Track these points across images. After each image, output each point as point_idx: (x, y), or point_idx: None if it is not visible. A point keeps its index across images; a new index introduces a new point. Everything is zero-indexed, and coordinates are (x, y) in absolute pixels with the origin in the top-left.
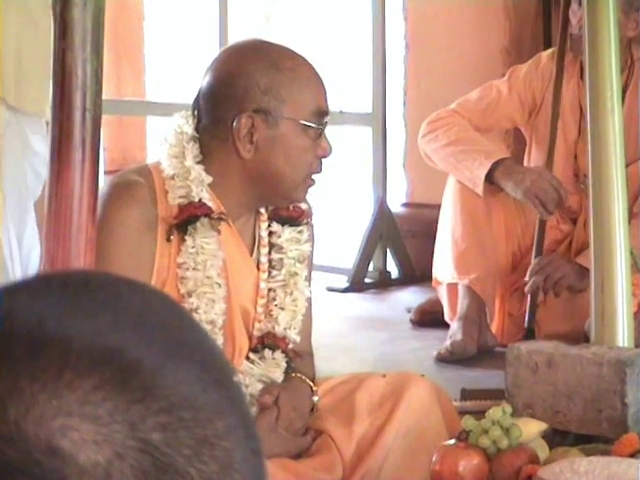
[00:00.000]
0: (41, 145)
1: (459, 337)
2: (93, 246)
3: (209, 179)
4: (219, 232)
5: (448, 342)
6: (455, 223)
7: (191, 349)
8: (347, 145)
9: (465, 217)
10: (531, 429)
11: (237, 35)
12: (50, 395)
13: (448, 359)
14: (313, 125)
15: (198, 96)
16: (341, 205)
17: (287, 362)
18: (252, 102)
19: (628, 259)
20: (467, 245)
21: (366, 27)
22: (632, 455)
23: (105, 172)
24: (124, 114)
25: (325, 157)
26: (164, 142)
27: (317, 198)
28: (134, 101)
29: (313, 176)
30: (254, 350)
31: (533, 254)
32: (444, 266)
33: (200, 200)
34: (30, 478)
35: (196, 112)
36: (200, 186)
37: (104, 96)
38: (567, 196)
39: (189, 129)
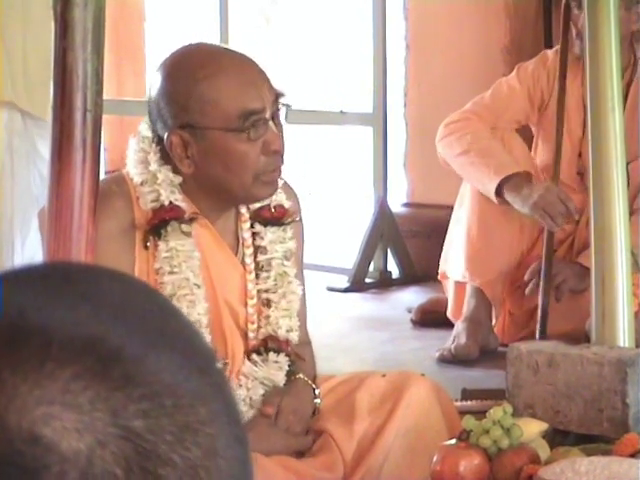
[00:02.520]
0: (47, 149)
1: (463, 340)
2: (93, 246)
3: (178, 179)
4: (190, 235)
5: (452, 344)
6: (471, 222)
7: (173, 337)
8: (348, 145)
9: (482, 217)
10: (532, 429)
11: (237, 36)
12: (32, 385)
13: (450, 361)
14: (241, 129)
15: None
16: (342, 205)
17: (289, 365)
18: (176, 119)
19: (629, 259)
20: (481, 246)
21: (367, 27)
22: (633, 455)
23: (106, 172)
24: (125, 114)
25: (277, 151)
26: (130, 148)
27: (317, 198)
28: (135, 101)
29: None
30: (257, 352)
31: (542, 267)
32: (455, 263)
33: (171, 203)
34: (12, 467)
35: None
36: (170, 188)
37: (105, 96)
38: (575, 208)
39: (150, 133)
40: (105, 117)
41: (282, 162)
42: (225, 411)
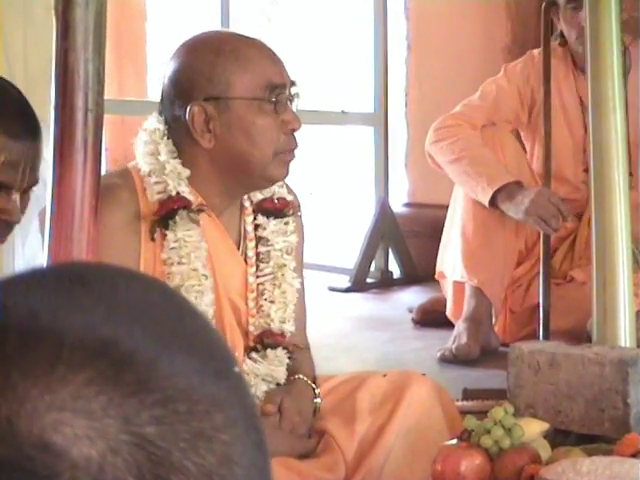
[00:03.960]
0: (46, 150)
1: (464, 340)
2: (95, 246)
3: (187, 172)
4: (198, 224)
5: (453, 345)
6: (466, 222)
7: (190, 340)
8: (349, 145)
9: (476, 216)
10: (533, 429)
11: None
12: (42, 390)
13: (451, 361)
14: (266, 99)
15: (161, 97)
16: (343, 205)
17: (288, 357)
18: (200, 92)
19: (630, 258)
20: (478, 244)
21: (368, 27)
22: (634, 455)
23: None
24: (126, 114)
25: (295, 130)
26: (139, 141)
27: (318, 198)
28: (136, 101)
29: (292, 151)
30: (255, 349)
31: (541, 272)
32: (452, 263)
33: (178, 193)
34: (23, 473)
35: (163, 113)
36: (177, 179)
37: (106, 96)
38: (569, 212)
39: (161, 126)
40: (106, 117)
41: (297, 144)
42: (243, 417)
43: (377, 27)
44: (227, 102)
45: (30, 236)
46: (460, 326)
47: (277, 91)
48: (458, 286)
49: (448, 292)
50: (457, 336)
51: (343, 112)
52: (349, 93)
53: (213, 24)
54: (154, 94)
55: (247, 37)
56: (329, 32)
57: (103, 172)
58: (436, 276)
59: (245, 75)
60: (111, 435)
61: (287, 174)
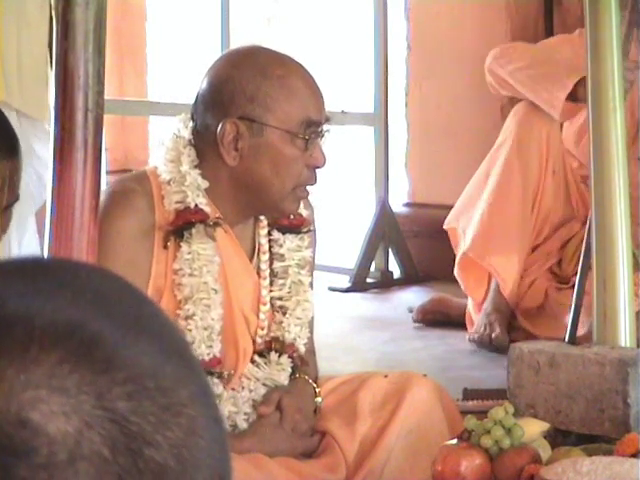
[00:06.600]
0: (43, 149)
1: (497, 330)
2: (95, 246)
3: (205, 184)
4: (214, 239)
5: (485, 332)
6: (498, 202)
7: (149, 323)
8: (349, 145)
9: (501, 207)
10: (533, 429)
11: (239, 36)
12: (18, 370)
13: (485, 347)
14: (300, 135)
15: (196, 100)
16: (343, 205)
17: (292, 368)
18: (237, 109)
19: (630, 258)
20: (513, 246)
21: (368, 27)
22: (634, 455)
23: (107, 172)
24: (126, 114)
25: (318, 167)
26: (161, 146)
27: (319, 198)
28: (136, 101)
29: (308, 187)
30: (260, 354)
31: (581, 262)
32: (473, 244)
33: (196, 206)
34: (1, 450)
35: (195, 116)
36: (196, 191)
37: (106, 96)
38: None
39: (186, 133)
40: (106, 117)
41: (316, 181)
42: (201, 393)
43: (377, 27)
44: (261, 127)
45: (27, 236)
46: (491, 317)
47: (312, 128)
48: (470, 260)
49: (456, 246)
50: (488, 325)
51: (343, 112)
52: (349, 93)
53: (213, 24)
54: (154, 94)
55: (297, 64)
56: (329, 32)
57: (103, 172)
58: (445, 226)
59: (286, 105)
60: (86, 411)
61: (297, 209)
